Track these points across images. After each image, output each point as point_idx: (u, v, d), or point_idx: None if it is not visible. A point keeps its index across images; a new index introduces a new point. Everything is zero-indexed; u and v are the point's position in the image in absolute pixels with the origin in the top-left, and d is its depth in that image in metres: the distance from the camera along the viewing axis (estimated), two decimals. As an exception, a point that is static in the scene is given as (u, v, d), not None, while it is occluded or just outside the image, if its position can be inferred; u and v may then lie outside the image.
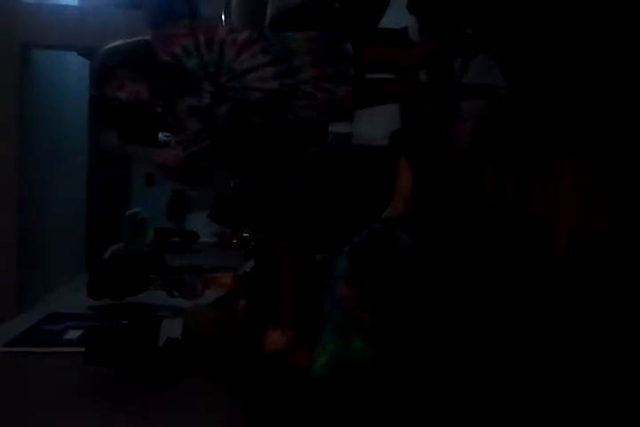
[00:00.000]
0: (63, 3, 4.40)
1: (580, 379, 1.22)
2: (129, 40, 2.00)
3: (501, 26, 1.67)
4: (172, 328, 2.14)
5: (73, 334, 2.48)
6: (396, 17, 2.78)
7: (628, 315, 1.20)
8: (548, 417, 1.23)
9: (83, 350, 1.95)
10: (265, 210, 2.54)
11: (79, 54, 4.44)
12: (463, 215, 1.64)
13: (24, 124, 3.77)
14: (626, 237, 1.24)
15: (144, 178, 6.10)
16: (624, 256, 1.24)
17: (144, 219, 4.81)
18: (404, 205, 1.64)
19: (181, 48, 1.92)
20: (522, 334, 1.34)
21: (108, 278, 3.00)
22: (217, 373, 1.85)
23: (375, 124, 3.10)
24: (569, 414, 1.21)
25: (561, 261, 1.33)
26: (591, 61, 1.38)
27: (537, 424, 1.25)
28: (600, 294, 1.24)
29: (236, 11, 3.19)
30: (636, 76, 1.31)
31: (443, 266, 1.57)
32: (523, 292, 1.37)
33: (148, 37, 1.99)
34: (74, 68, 4.54)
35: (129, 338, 2.00)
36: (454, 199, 1.68)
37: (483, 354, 1.38)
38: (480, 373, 1.36)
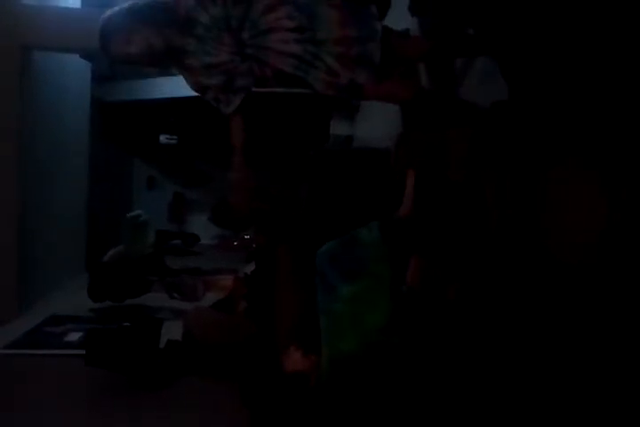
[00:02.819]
0: (65, 5, 4.40)
1: (580, 378, 1.22)
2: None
3: (502, 28, 1.67)
4: (172, 330, 2.14)
5: (73, 337, 2.48)
6: (398, 18, 2.78)
7: (629, 315, 1.20)
8: (548, 415, 1.23)
9: (83, 352, 1.96)
10: (266, 212, 2.54)
11: (81, 57, 4.44)
12: (464, 216, 1.64)
13: (25, 126, 3.77)
14: (626, 238, 1.24)
15: (145, 180, 6.11)
16: (624, 256, 1.24)
17: (145, 221, 4.82)
18: (409, 208, 1.67)
19: None
20: (523, 334, 1.34)
21: (108, 280, 3.00)
22: (217, 374, 1.86)
23: (376, 127, 3.11)
24: (568, 411, 1.21)
25: (561, 262, 1.33)
26: (591, 63, 1.38)
27: (537, 424, 1.25)
28: (601, 294, 1.24)
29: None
30: (635, 79, 1.31)
31: (444, 266, 1.57)
32: (524, 291, 1.37)
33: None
34: (75, 71, 4.53)
35: (130, 340, 2.00)
36: (455, 200, 1.68)
37: (484, 353, 1.38)
38: (481, 372, 1.36)
